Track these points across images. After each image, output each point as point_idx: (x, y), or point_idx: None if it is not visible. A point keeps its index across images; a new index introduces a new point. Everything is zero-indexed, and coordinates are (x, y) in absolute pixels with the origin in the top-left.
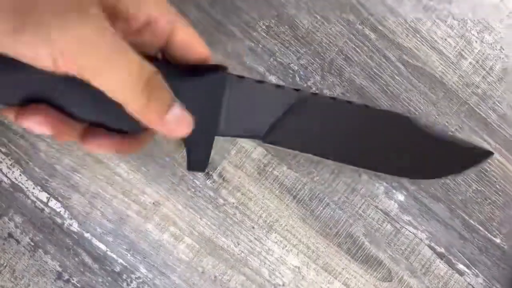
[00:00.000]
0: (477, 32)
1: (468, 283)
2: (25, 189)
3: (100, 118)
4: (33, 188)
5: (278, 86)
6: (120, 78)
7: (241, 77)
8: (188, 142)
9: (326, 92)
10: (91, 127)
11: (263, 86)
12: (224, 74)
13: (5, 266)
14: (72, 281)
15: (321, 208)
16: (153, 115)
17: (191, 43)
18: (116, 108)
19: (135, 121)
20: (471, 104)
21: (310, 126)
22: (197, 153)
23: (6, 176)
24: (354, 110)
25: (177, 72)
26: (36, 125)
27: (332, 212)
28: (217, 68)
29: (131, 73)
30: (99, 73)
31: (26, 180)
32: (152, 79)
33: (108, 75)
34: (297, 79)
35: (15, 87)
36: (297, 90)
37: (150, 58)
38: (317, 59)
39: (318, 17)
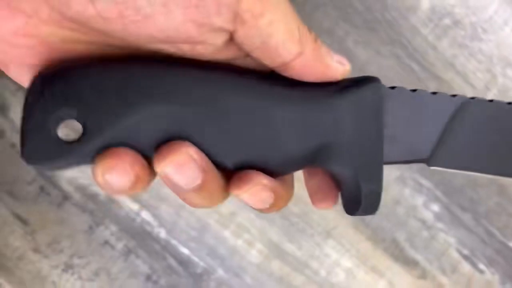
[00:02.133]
0: (501, 68)
1: (487, 280)
2: (119, 201)
3: (252, 156)
4: (126, 200)
5: (434, 93)
6: (291, 15)
7: (394, 88)
8: (350, 178)
9: None
10: (236, 172)
11: (419, 95)
12: (379, 84)
13: (102, 269)
14: (160, 282)
15: (371, 218)
16: (323, 56)
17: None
18: (271, 140)
19: (292, 157)
20: None
21: (479, 138)
22: (368, 191)
23: None
24: None
25: (315, 91)
26: (180, 168)
27: (379, 221)
28: (367, 81)
29: (293, 13)
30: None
31: None
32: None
33: (280, 12)
34: None
35: (147, 124)
36: (453, 96)
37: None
38: None
39: (372, 51)
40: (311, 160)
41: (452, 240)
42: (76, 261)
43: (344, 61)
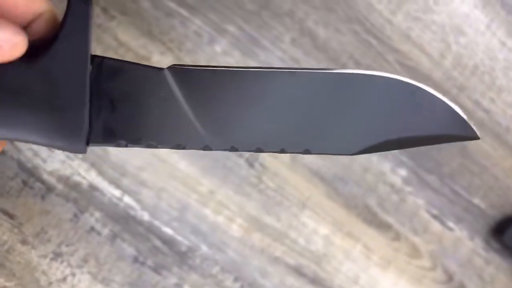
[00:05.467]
0: (454, 36)
1: (456, 236)
2: (102, 188)
3: None
4: (108, 187)
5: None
6: None
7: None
8: None
9: None
10: None
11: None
12: None
13: (90, 255)
14: (147, 263)
15: (342, 186)
16: None
17: None
18: None
19: None
20: (452, 95)
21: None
22: None
23: (84, 178)
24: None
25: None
26: None
27: (351, 189)
28: None
29: None
30: None
31: (102, 180)
32: None
33: None
34: None
35: None
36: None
37: None
38: (333, 64)
39: (332, 29)
40: None
41: (421, 201)
42: (64, 249)
43: (8, 39)
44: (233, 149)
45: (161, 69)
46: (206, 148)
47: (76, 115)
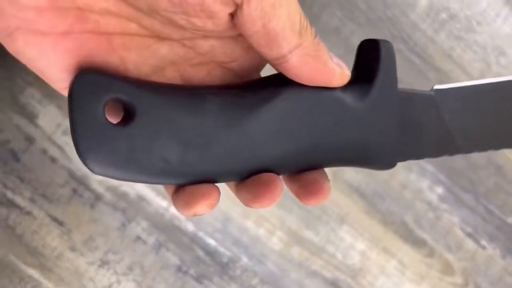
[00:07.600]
0: (495, 57)
1: (489, 255)
2: (149, 198)
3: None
4: (155, 197)
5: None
6: (295, 5)
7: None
8: None
9: None
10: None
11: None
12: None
13: (136, 263)
14: (190, 272)
15: (381, 203)
16: (321, 53)
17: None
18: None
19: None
20: None
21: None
22: None
23: (133, 188)
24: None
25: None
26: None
27: (388, 205)
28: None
29: (297, 4)
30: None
31: (150, 191)
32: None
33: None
34: None
35: None
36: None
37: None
38: None
39: None
40: None
41: (456, 219)
42: (111, 257)
43: (343, 65)
44: (476, 150)
45: (430, 93)
46: (454, 154)
47: (388, 144)
